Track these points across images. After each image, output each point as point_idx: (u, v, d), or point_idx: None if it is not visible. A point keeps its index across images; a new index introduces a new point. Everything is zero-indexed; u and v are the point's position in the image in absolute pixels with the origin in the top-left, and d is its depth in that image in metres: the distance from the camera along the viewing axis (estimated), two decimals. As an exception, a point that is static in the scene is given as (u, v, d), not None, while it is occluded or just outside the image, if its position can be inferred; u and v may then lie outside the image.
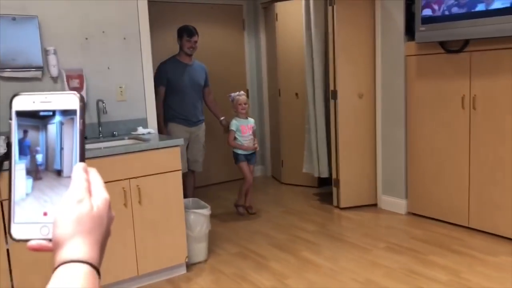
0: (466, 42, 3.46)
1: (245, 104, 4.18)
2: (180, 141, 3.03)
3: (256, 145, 4.26)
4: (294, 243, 3.59)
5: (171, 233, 3.02)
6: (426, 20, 3.59)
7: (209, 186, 5.23)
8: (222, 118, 4.33)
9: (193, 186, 4.29)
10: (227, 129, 4.21)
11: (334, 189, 4.42)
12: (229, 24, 5.48)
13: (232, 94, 4.23)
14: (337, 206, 4.38)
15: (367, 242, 3.53)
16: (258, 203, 4.64)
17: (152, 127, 3.46)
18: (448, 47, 3.60)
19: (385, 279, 2.92)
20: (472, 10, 3.28)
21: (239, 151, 4.18)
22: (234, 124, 4.15)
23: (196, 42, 4.02)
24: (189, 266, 3.20)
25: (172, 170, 2.98)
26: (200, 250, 3.29)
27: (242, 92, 4.27)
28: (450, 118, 3.67)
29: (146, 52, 3.43)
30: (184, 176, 3.76)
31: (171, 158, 2.97)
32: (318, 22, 4.45)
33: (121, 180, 2.79)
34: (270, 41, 5.42)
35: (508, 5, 3.06)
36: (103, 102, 3.17)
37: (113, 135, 3.28)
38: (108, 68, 3.28)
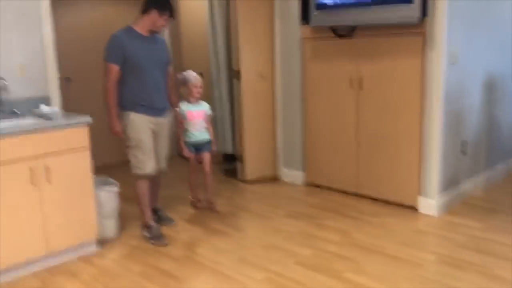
0: (354, 28, 3.85)
1: (201, 87, 3.70)
2: (87, 118, 3.01)
3: (213, 147, 3.84)
4: (203, 216, 3.77)
5: (81, 210, 3.04)
6: (320, 6, 3.91)
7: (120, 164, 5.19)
8: (178, 109, 3.68)
9: (158, 188, 3.66)
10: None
11: (239, 164, 4.68)
12: (130, 1, 5.41)
13: (185, 74, 3.72)
14: (242, 180, 4.65)
15: (269, 211, 3.83)
16: (166, 180, 4.74)
17: (56, 105, 3.40)
18: (338, 32, 3.96)
19: (286, 242, 3.23)
20: (359, 0, 3.66)
21: (188, 140, 3.76)
22: (181, 110, 3.68)
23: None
24: (100, 242, 3.25)
25: (80, 148, 2.98)
26: (110, 227, 3.35)
27: (193, 72, 3.75)
28: (340, 96, 4.06)
29: (47, 28, 3.34)
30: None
31: (79, 136, 2.98)
32: (221, 5, 4.60)
33: (28, 159, 2.75)
34: (174, 21, 5.45)
35: (389, -4, 3.47)
36: (3, 79, 3.06)
37: (14, 114, 3.17)
38: (7, 44, 3.15)
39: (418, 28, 3.44)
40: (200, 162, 3.83)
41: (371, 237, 3.27)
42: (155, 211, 3.63)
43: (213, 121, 4.86)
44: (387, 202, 3.89)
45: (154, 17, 3.17)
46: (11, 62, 3.19)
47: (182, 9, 5.25)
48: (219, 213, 3.79)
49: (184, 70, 4.87)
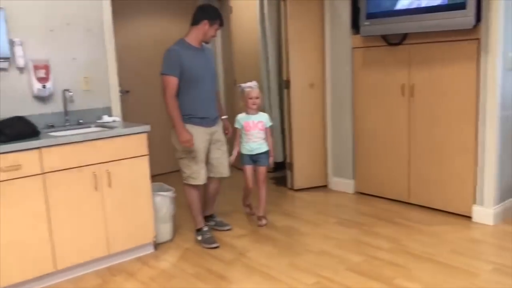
0: (405, 36, 3.84)
1: (256, 98, 3.63)
2: (146, 127, 3.19)
3: (271, 159, 3.74)
4: (255, 222, 3.86)
5: (139, 214, 3.21)
6: (370, 15, 3.94)
7: (174, 172, 5.40)
8: (224, 117, 3.63)
9: (217, 194, 3.76)
10: (228, 130, 3.65)
11: (288, 172, 4.74)
12: (185, 16, 5.63)
13: (242, 85, 3.70)
14: (291, 188, 4.70)
15: (320, 218, 3.86)
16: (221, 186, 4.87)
17: (117, 116, 3.62)
18: (389, 40, 3.97)
19: (336, 248, 3.25)
20: (410, 7, 3.65)
21: (244, 151, 3.70)
22: (238, 121, 3.68)
23: None
24: (156, 245, 3.41)
25: (139, 155, 3.16)
26: (166, 230, 3.50)
27: (254, 82, 3.71)
28: (391, 105, 4.05)
29: (109, 43, 3.57)
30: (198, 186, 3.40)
31: (138, 144, 3.16)
32: (272, 16, 4.72)
33: (92, 165, 2.95)
34: (225, 33, 5.64)
35: (441, 3, 3.45)
36: (69, 92, 3.31)
37: (79, 123, 3.41)
38: (74, 58, 3.40)
39: (472, 34, 3.40)
40: (255, 170, 3.78)
41: (423, 245, 3.23)
42: (211, 217, 3.75)
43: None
44: (438, 211, 3.82)
45: (205, 28, 3.24)
46: (77, 75, 3.45)
47: (233, 20, 5.41)
48: (262, 226, 3.75)
49: (235, 79, 4.97)
